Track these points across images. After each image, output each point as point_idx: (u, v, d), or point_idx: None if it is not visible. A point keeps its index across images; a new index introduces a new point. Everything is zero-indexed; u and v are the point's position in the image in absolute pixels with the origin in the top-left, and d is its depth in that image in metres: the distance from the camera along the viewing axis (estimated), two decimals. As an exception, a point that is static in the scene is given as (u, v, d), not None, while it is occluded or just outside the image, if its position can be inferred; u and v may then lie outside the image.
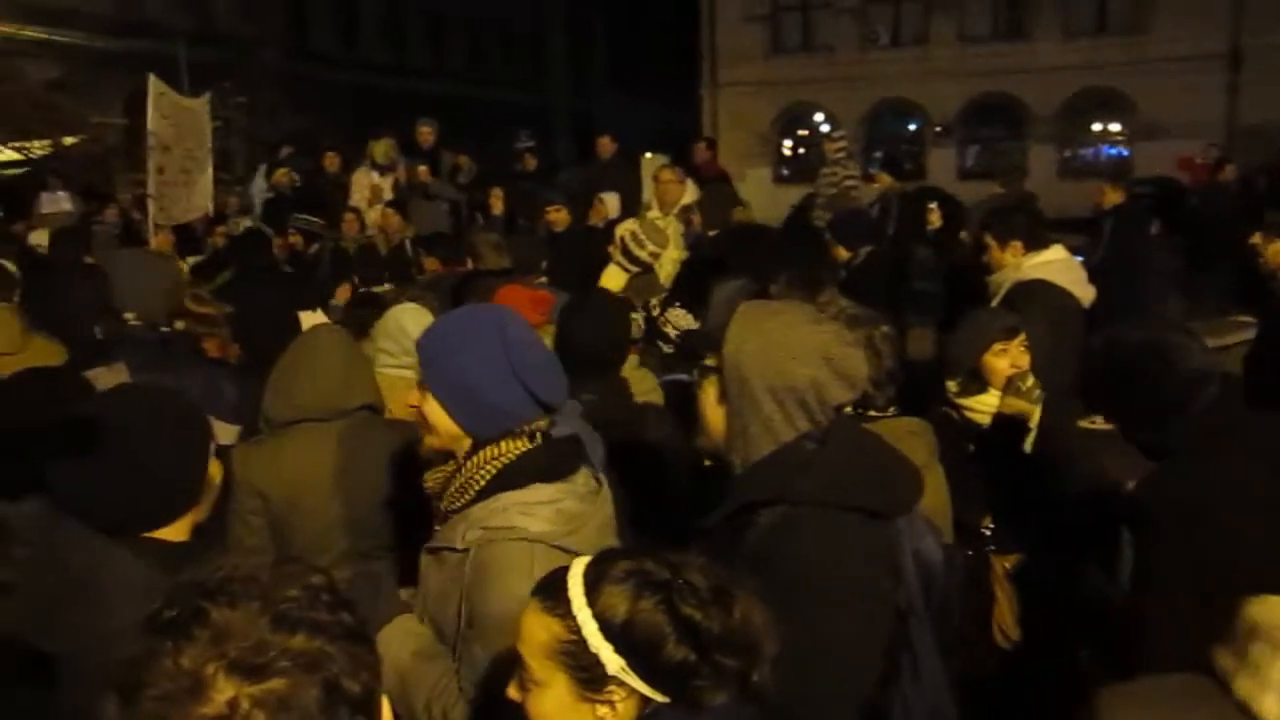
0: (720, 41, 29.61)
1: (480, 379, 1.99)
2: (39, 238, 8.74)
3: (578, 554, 1.85)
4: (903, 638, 1.94)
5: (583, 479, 2.08)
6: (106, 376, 3.36)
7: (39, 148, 15.27)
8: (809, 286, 3.32)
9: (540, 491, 1.98)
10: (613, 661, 1.44)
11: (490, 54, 38.63)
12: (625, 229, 5.04)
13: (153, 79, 8.28)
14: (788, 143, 30.89)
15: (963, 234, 7.51)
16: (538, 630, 1.50)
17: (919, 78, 28.17)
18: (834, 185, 9.93)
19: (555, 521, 1.96)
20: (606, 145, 10.55)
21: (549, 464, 2.01)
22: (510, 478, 1.98)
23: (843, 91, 28.38)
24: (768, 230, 6.56)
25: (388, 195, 9.96)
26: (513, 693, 1.55)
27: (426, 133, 10.09)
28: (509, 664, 1.61)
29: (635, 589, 1.46)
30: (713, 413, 2.03)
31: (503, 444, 2.00)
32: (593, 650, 1.44)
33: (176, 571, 1.82)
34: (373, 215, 9.40)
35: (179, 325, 4.05)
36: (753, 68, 29.01)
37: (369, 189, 9.92)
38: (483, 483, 2.00)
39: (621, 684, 1.45)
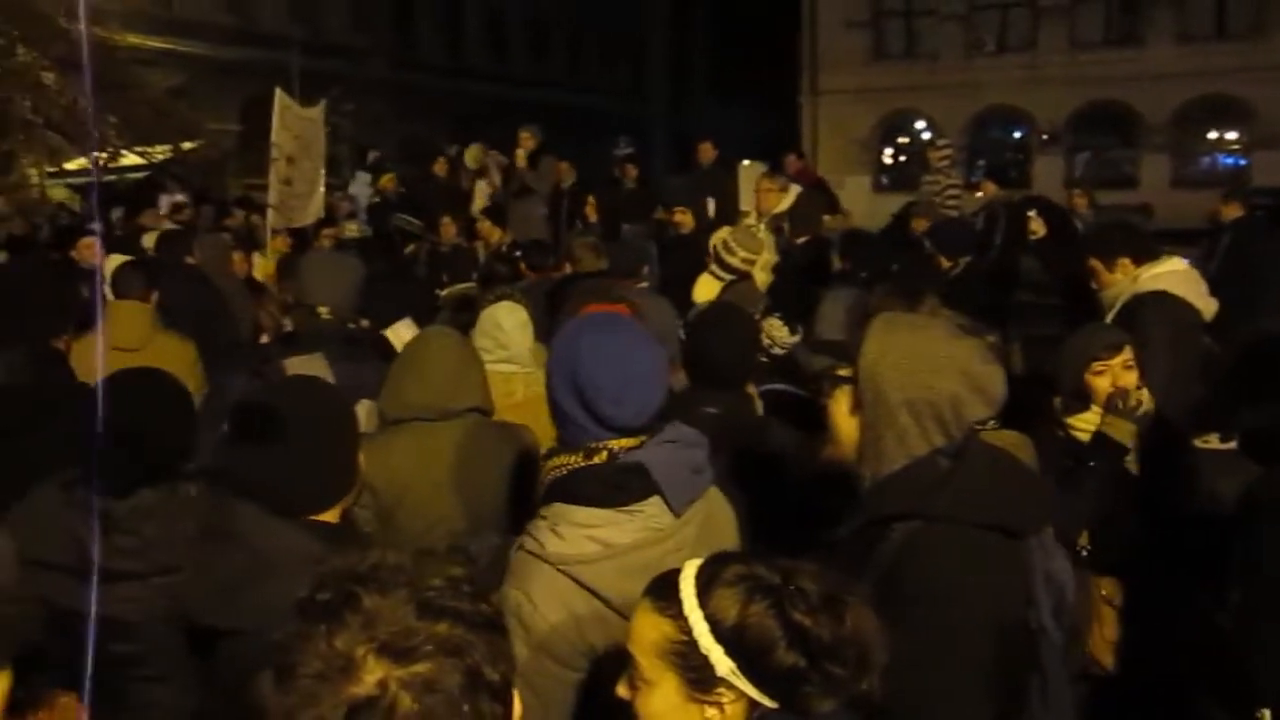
0: (821, 48, 29.38)
1: (554, 387, 2.00)
2: (151, 240, 9.10)
3: (587, 585, 1.89)
4: (1033, 659, 1.92)
5: (650, 510, 1.93)
6: (305, 366, 3.50)
7: (160, 152, 15.93)
8: (909, 296, 3.27)
9: (578, 512, 1.92)
10: (723, 664, 1.45)
11: (590, 61, 39.03)
12: (718, 237, 5.03)
13: (279, 92, 8.53)
14: (888, 150, 30.50)
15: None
16: (648, 629, 1.51)
17: (1026, 85, 27.54)
18: (936, 194, 9.80)
19: (582, 546, 1.90)
20: (707, 151, 10.57)
21: (597, 487, 1.92)
22: (558, 490, 1.96)
23: (945, 99, 27.90)
24: (877, 238, 6.47)
25: (480, 202, 10.13)
26: (621, 691, 1.56)
27: (528, 139, 10.22)
28: None
29: (746, 593, 1.46)
30: (845, 423, 2.02)
31: (561, 456, 1.99)
32: (703, 651, 1.45)
33: (341, 551, 1.99)
34: (477, 224, 9.54)
35: (365, 322, 4.19)
36: (853, 75, 28.70)
37: (486, 197, 10.09)
38: (543, 489, 2.03)
39: (731, 686, 1.45)
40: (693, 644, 1.46)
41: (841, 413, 2.04)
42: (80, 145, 14.16)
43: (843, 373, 2.03)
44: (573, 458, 1.96)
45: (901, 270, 4.62)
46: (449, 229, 9.49)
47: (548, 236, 9.04)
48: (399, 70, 27.63)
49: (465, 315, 5.44)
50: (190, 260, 6.48)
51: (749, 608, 1.44)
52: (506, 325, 3.84)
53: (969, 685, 1.84)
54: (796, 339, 4.15)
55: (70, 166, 15.85)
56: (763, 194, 6.20)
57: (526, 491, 2.97)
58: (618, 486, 1.92)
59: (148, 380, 2.41)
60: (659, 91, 42.00)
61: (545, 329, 4.96)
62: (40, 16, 14.27)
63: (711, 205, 9.60)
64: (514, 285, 7.03)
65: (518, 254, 8.06)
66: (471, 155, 10.28)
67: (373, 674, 1.08)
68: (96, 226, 10.16)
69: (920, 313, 2.99)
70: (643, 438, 1.97)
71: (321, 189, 9.59)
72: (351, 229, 10.07)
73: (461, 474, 2.93)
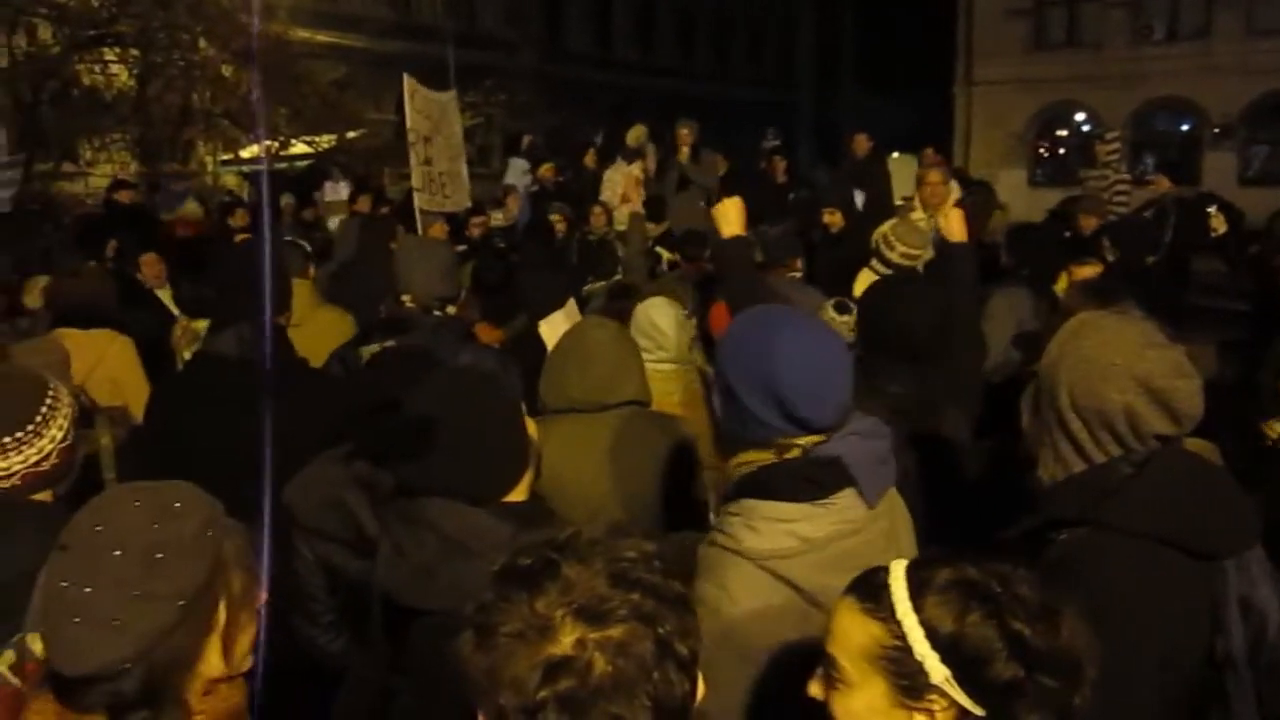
0: (977, 38, 28.49)
1: (739, 383, 1.96)
2: (334, 224, 9.50)
3: (787, 579, 1.87)
4: (1216, 691, 1.80)
5: (844, 502, 1.94)
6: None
7: (326, 141, 16.67)
8: (1101, 296, 3.12)
9: (774, 508, 1.91)
10: (938, 671, 1.40)
11: (738, 53, 38.87)
12: (880, 230, 4.93)
13: (406, 78, 8.73)
14: (1043, 144, 29.39)
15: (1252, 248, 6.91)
16: (855, 631, 1.47)
17: (1197, 75, 26.07)
18: (1103, 189, 9.39)
19: (779, 541, 1.89)
20: (862, 144, 10.41)
21: (792, 482, 1.92)
22: (750, 486, 1.96)
23: (1108, 89, 26.68)
24: (1046, 234, 6.22)
25: (636, 185, 10.17)
26: (815, 690, 1.53)
27: (686, 134, 10.17)
28: None
29: (964, 599, 1.41)
30: (1032, 420, 1.98)
31: (751, 453, 1.98)
32: (917, 658, 1.41)
33: (531, 529, 2.01)
34: (622, 213, 9.62)
35: (450, 310, 4.26)
36: (1011, 65, 27.72)
37: (621, 185, 10.16)
38: (733, 484, 2.02)
39: (943, 694, 1.41)
40: (906, 650, 1.41)
41: (1031, 410, 1.99)
42: (255, 135, 15.01)
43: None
44: (762, 455, 1.96)
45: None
46: (599, 219, 9.58)
47: (707, 228, 9.03)
48: (549, 62, 28.12)
49: (621, 303, 5.50)
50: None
51: (967, 615, 1.39)
52: (662, 324, 3.83)
53: (1129, 708, 1.72)
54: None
55: (245, 154, 16.77)
56: (930, 187, 6.04)
57: (685, 483, 3.03)
58: (812, 480, 1.91)
59: None
60: (806, 82, 41.49)
61: (700, 320, 4.97)
62: (221, 13, 15.13)
63: (860, 198, 9.44)
64: (668, 275, 7.09)
65: (657, 246, 8.13)
66: (634, 135, 10.30)
67: (569, 635, 1.14)
68: (265, 210, 10.65)
69: (1111, 315, 2.85)
70: (828, 432, 1.95)
71: (465, 174, 9.76)
72: (498, 217, 10.26)
73: (620, 465, 2.92)
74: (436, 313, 4.18)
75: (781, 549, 1.88)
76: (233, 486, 2.47)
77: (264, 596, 1.62)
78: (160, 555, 1.37)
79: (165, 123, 15.73)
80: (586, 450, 2.93)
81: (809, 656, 1.80)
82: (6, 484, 2.10)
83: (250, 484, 2.46)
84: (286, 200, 11.70)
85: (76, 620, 1.33)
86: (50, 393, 2.20)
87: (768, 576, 1.87)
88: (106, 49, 15.62)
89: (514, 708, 1.14)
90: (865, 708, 1.46)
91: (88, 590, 1.34)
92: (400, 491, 2.11)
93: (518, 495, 2.11)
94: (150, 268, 7.11)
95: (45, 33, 15.51)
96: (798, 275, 6.03)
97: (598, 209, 9.67)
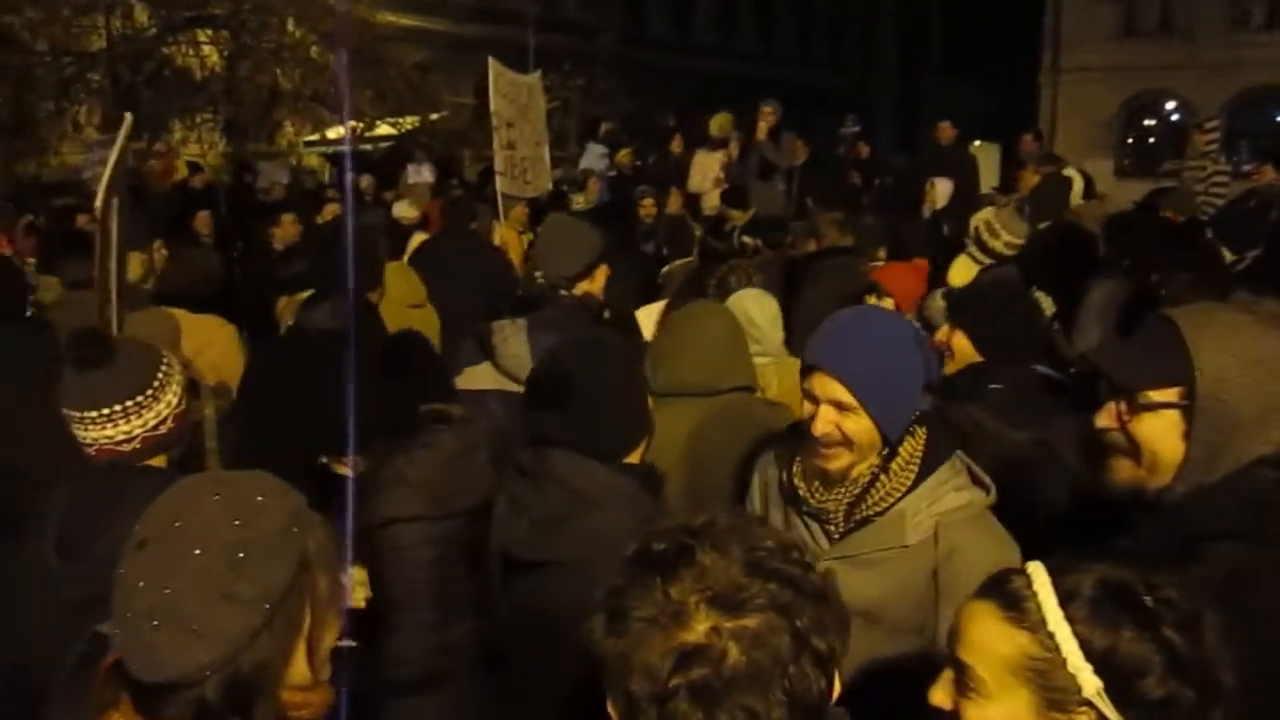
0: (1066, 24, 27.83)
1: (912, 384, 2.06)
2: (403, 209, 9.59)
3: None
4: None
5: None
6: (509, 330, 3.62)
7: (409, 123, 16.89)
8: (1216, 288, 3.02)
9: (950, 471, 2.07)
10: (1091, 684, 1.32)
11: (819, 37, 38.45)
12: (981, 218, 4.83)
13: (491, 61, 8.71)
14: (1131, 133, 28.61)
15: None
16: (998, 641, 1.38)
17: (1297, 63, 25.13)
18: (1201, 179, 9.10)
19: (975, 490, 2.07)
20: (947, 131, 10.24)
21: (947, 444, 2.10)
22: (928, 465, 2.07)
23: (1202, 78, 25.88)
24: (1149, 225, 6.03)
25: (716, 173, 10.12)
26: (940, 698, 1.47)
27: (768, 113, 10.10)
28: None
29: (1115, 609, 1.34)
30: (1162, 442, 1.79)
31: (914, 439, 2.09)
32: (1070, 671, 1.33)
33: (651, 490, 2.15)
34: (709, 201, 9.57)
35: (580, 289, 4.27)
36: (1100, 52, 27.02)
37: (712, 172, 10.10)
38: (911, 479, 2.06)
39: (1092, 707, 1.33)
40: (1058, 661, 1.34)
41: (1155, 435, 1.80)
42: (340, 116, 15.28)
43: (1158, 396, 1.78)
44: (919, 433, 2.10)
45: (1177, 260, 4.29)
46: (675, 202, 9.55)
47: (788, 213, 8.96)
48: (628, 46, 28.09)
49: (692, 289, 5.48)
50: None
51: (1121, 627, 1.32)
52: (758, 318, 3.81)
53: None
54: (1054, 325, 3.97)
55: (331, 135, 17.08)
56: (1028, 175, 5.92)
57: None
58: (949, 437, 2.09)
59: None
60: (886, 68, 40.89)
61: (784, 306, 4.93)
62: (311, -5, 15.49)
63: (941, 186, 9.29)
64: (746, 260, 7.04)
65: (737, 230, 8.07)
66: (718, 123, 10.24)
67: (703, 623, 1.11)
68: (348, 192, 10.80)
69: (1236, 309, 2.75)
70: None
71: (547, 159, 9.76)
72: (579, 201, 10.29)
73: (731, 451, 2.87)
74: (563, 292, 4.21)
75: (985, 498, 2.09)
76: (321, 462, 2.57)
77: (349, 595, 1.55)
78: (243, 554, 1.28)
79: (256, 103, 16.06)
80: (698, 435, 2.92)
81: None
82: (126, 448, 2.15)
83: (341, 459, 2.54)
84: (367, 181, 11.86)
85: (155, 623, 1.24)
86: (164, 360, 2.25)
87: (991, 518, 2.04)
88: (199, 30, 16.02)
89: (645, 694, 1.12)
90: (1002, 718, 1.39)
91: (167, 591, 1.25)
92: (531, 441, 2.20)
93: (633, 459, 2.21)
94: (283, 229, 7.67)
95: (142, 15, 15.94)
96: (880, 264, 5.97)
97: (675, 193, 9.65)
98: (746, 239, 8.01)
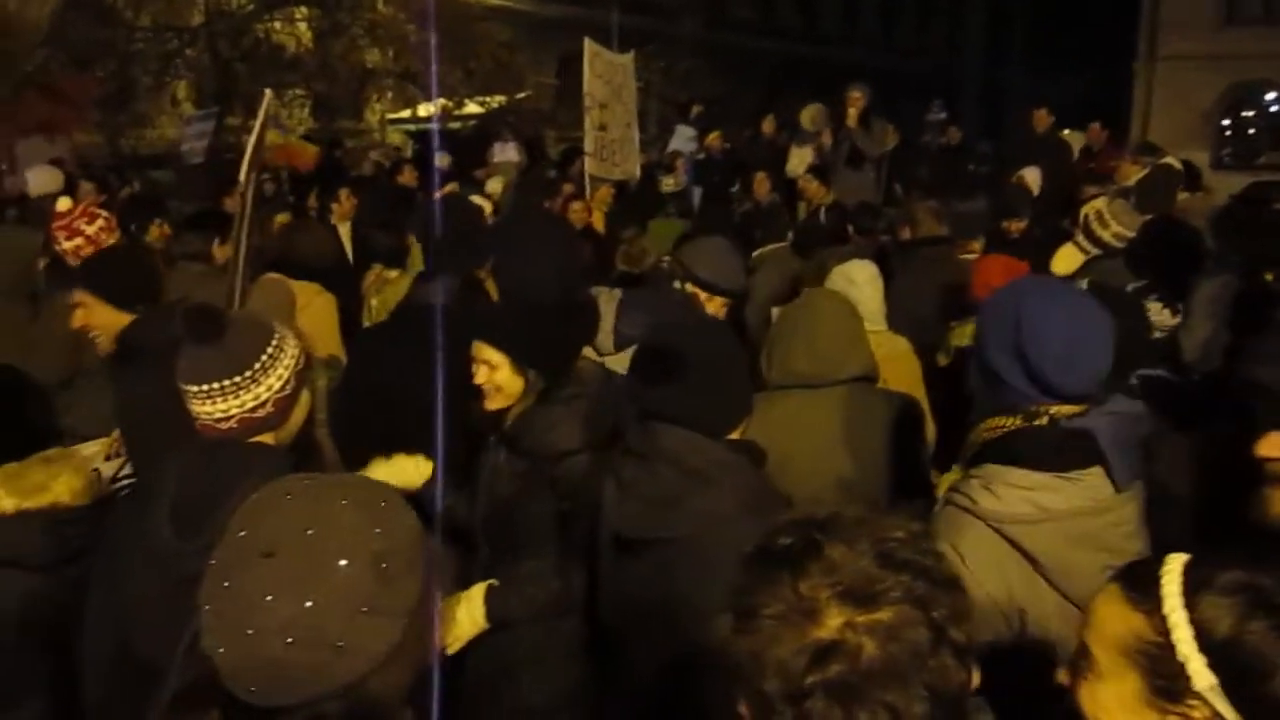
0: (1164, 9, 26.90)
1: (991, 346, 1.99)
2: (493, 186, 9.70)
3: (1023, 547, 1.83)
4: None
5: (1090, 480, 1.91)
6: (604, 298, 3.65)
7: (496, 101, 17.05)
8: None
9: (1015, 473, 1.90)
10: (1202, 677, 1.29)
11: (904, 21, 37.80)
12: (1092, 207, 4.72)
13: (588, 41, 8.71)
14: (1229, 124, 27.66)
15: None
16: (1114, 620, 1.37)
17: None
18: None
19: (1016, 506, 1.88)
20: (1043, 119, 10.02)
21: (1038, 450, 1.90)
22: (994, 450, 1.96)
23: (1307, 68, 24.87)
24: (1259, 219, 5.85)
25: (800, 163, 10.04)
26: (1062, 676, 1.46)
27: (857, 98, 9.97)
28: None
29: (1248, 605, 1.29)
30: None
31: (997, 419, 1.99)
32: (1179, 659, 1.30)
33: (757, 464, 2.15)
34: (801, 183, 9.50)
35: (718, 301, 4.29)
36: (1201, 39, 26.08)
37: (809, 160, 10.02)
38: (973, 450, 2.03)
39: (1205, 702, 1.30)
40: (1168, 648, 1.31)
41: None
42: (431, 93, 15.49)
43: None
44: (1009, 420, 1.95)
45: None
46: (763, 186, 9.50)
47: (878, 200, 8.87)
48: (711, 28, 27.92)
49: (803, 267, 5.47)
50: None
51: (1248, 623, 1.27)
52: (859, 280, 3.80)
53: None
54: (1177, 320, 3.87)
55: (422, 113, 17.32)
56: (1125, 166, 5.79)
57: (913, 464, 3.01)
58: (1060, 451, 1.89)
59: None
60: (973, 53, 40.04)
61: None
62: (403, -28, 15.70)
63: (1030, 175, 9.09)
64: (838, 248, 6.99)
65: (838, 215, 8.01)
66: (809, 116, 10.14)
67: (835, 618, 1.09)
68: (436, 168, 10.91)
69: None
70: (1084, 405, 1.93)
71: (636, 141, 9.76)
72: (668, 183, 10.28)
73: (847, 443, 2.89)
74: (679, 284, 4.23)
75: (1020, 514, 1.87)
76: (428, 438, 2.62)
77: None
78: (386, 565, 1.19)
79: (349, 80, 16.36)
80: (812, 426, 2.89)
81: (1041, 628, 1.76)
82: (224, 426, 2.11)
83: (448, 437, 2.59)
84: (447, 159, 11.97)
85: (289, 640, 1.14)
86: (274, 341, 2.17)
87: (1001, 541, 1.86)
88: (295, 8, 16.33)
89: (779, 693, 1.10)
90: (1114, 701, 1.37)
91: (309, 605, 1.14)
92: (639, 416, 2.20)
93: (735, 435, 2.22)
94: (342, 205, 7.69)
95: (240, -9, 16.33)
96: (974, 257, 5.88)
97: (761, 176, 9.59)
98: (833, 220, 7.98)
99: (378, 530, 1.21)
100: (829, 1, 35.05)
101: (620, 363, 3.11)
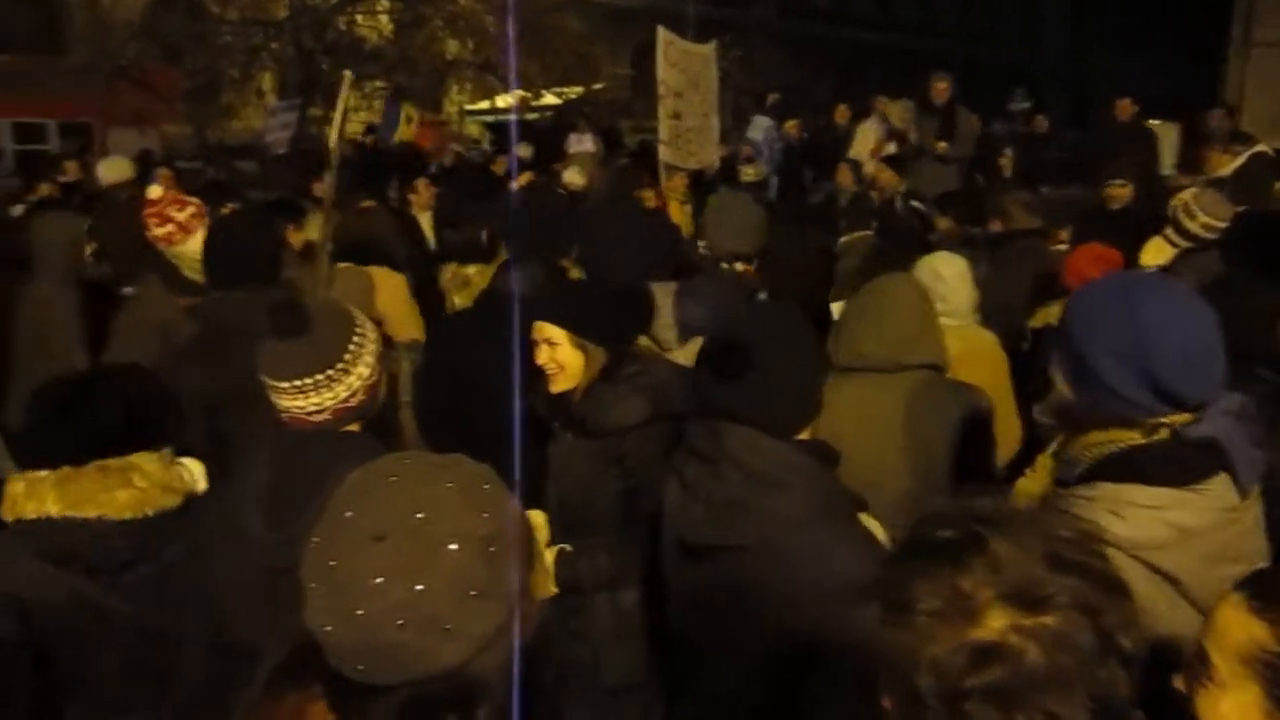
0: (1262, -4, 25.97)
1: (1098, 355, 1.82)
2: (572, 176, 9.74)
3: (1165, 571, 1.72)
4: None
5: (1217, 489, 1.79)
6: (659, 293, 3.63)
7: (573, 92, 17.15)
8: None
9: (1142, 493, 1.77)
10: None
11: (983, 8, 37.07)
12: (1180, 198, 4.60)
13: (661, 29, 8.66)
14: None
15: None
16: (1236, 628, 1.34)
17: None
18: None
19: (1150, 529, 1.75)
20: (1126, 108, 9.76)
21: (1164, 466, 1.78)
22: (1113, 469, 1.82)
23: None
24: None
25: (872, 147, 9.91)
26: (1179, 682, 1.43)
27: (942, 88, 9.78)
28: None
29: None
30: None
31: (1112, 431, 1.84)
32: None
33: (829, 466, 2.06)
34: (869, 168, 9.39)
35: (739, 266, 4.29)
36: (1297, 26, 25.14)
37: (873, 142, 9.90)
38: (1084, 466, 1.88)
39: None
40: None
41: None
42: (510, 84, 15.66)
43: None
44: (1126, 434, 1.83)
45: None
46: (844, 175, 9.39)
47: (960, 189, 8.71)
48: (785, 17, 27.71)
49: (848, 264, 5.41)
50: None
51: None
52: (946, 274, 3.70)
53: None
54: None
55: (501, 104, 17.50)
56: (1215, 155, 5.62)
57: (978, 458, 2.92)
58: (1185, 464, 1.77)
59: None
60: (1054, 41, 39.11)
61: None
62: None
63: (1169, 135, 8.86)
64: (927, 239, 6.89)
65: (918, 205, 7.90)
66: (896, 112, 9.99)
67: (998, 620, 1.05)
68: (514, 159, 10.98)
69: None
70: (1199, 411, 1.81)
71: (716, 131, 9.69)
72: (749, 173, 10.22)
73: (911, 432, 2.81)
74: (724, 264, 4.22)
75: (1156, 539, 1.75)
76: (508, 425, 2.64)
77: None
78: (493, 548, 1.19)
79: (430, 71, 16.57)
80: (876, 413, 2.82)
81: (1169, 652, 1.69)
82: (317, 418, 2.12)
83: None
84: (525, 151, 12.06)
85: (400, 622, 1.14)
86: (358, 329, 2.18)
87: (1137, 566, 1.72)
88: (377, 0, 16.60)
89: (933, 691, 1.06)
90: (1234, 711, 1.34)
91: (420, 588, 1.14)
92: (704, 413, 2.08)
93: (804, 435, 2.10)
94: (420, 195, 7.78)
95: (322, -16, 16.60)
96: (1063, 248, 5.76)
97: (843, 166, 9.48)
98: (913, 206, 7.87)
99: (485, 514, 1.21)
100: (907, -10, 34.58)
101: (688, 356, 3.06)
